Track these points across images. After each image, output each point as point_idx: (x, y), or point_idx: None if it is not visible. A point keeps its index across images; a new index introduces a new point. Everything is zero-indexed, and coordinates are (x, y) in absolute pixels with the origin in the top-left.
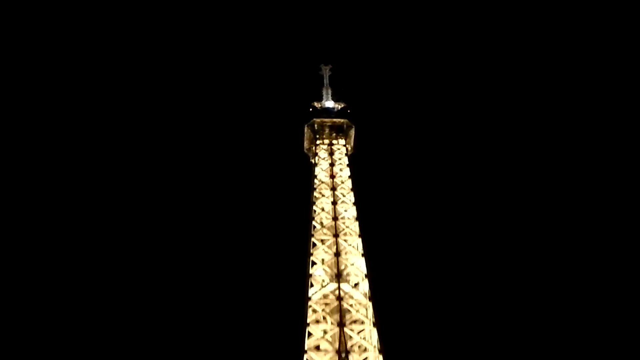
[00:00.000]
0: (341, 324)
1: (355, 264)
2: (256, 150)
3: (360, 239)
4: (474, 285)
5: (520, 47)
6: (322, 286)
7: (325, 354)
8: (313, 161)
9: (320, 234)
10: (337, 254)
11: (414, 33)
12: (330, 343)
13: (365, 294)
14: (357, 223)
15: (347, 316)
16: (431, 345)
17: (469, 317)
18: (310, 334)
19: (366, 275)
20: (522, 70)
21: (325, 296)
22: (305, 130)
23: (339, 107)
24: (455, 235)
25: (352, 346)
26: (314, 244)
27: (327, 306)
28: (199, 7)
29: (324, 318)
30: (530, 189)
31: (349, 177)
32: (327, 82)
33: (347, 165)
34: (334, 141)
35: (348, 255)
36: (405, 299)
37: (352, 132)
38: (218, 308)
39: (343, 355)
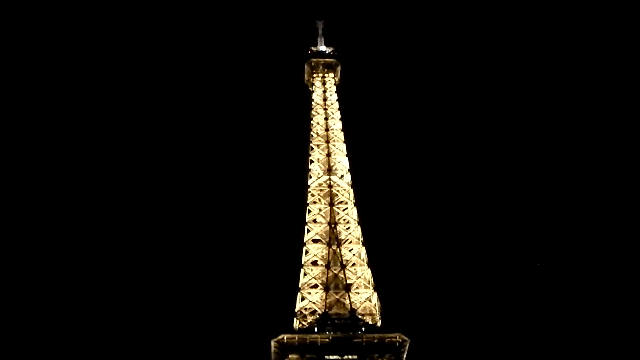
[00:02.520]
0: (331, 204)
1: (341, 162)
2: (270, 82)
3: (344, 144)
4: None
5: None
6: (318, 177)
7: (320, 225)
8: (311, 89)
9: (317, 141)
10: (328, 155)
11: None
12: (324, 217)
13: (348, 183)
14: (342, 133)
15: (335, 199)
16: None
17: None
18: (309, 211)
19: (349, 170)
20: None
21: (320, 185)
22: (305, 67)
23: (329, 50)
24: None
25: (339, 219)
26: (312, 148)
27: (321, 192)
28: None
29: (319, 200)
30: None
31: (337, 100)
32: (321, 32)
33: (335, 92)
34: (326, 75)
35: (336, 156)
36: (379, 186)
37: (339, 68)
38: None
39: (333, 225)
